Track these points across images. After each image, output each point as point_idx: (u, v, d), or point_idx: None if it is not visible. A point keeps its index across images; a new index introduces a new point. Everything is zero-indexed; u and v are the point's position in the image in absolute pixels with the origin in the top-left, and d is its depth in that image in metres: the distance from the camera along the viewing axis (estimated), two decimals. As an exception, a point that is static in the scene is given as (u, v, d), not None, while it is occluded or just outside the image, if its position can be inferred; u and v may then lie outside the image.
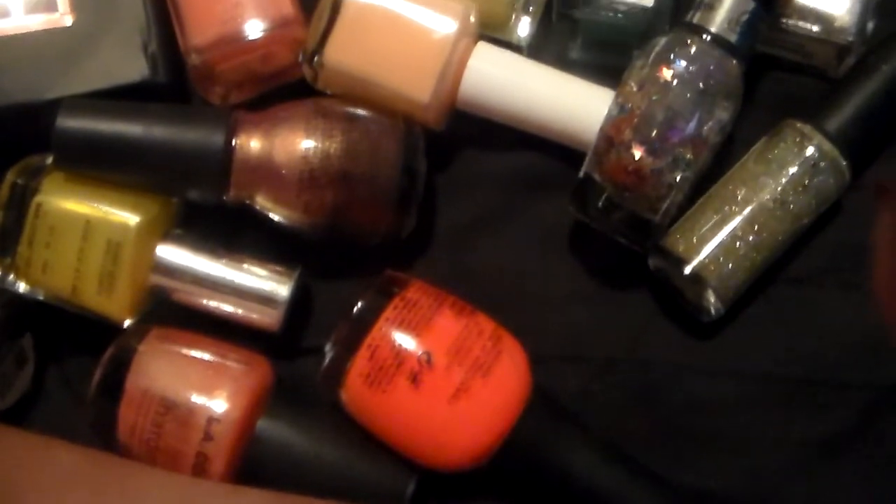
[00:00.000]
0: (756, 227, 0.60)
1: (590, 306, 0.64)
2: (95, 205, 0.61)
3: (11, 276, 0.61)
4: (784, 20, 0.63)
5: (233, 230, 0.64)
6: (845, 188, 0.62)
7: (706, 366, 0.63)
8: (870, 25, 0.63)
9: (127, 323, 0.62)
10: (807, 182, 0.61)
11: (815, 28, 0.63)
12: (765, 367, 0.62)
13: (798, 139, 0.61)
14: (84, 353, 0.62)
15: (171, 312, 0.62)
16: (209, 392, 0.59)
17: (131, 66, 0.63)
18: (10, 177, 0.61)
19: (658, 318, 0.64)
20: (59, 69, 0.62)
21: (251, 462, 0.59)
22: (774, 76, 0.66)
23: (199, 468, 0.58)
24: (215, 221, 0.64)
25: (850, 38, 0.62)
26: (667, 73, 0.59)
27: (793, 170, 0.61)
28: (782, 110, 0.63)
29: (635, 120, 0.59)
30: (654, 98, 0.59)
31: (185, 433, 0.58)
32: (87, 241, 0.60)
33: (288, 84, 0.65)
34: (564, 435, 0.59)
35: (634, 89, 0.60)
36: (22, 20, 0.63)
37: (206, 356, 0.60)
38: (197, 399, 0.58)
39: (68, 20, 0.63)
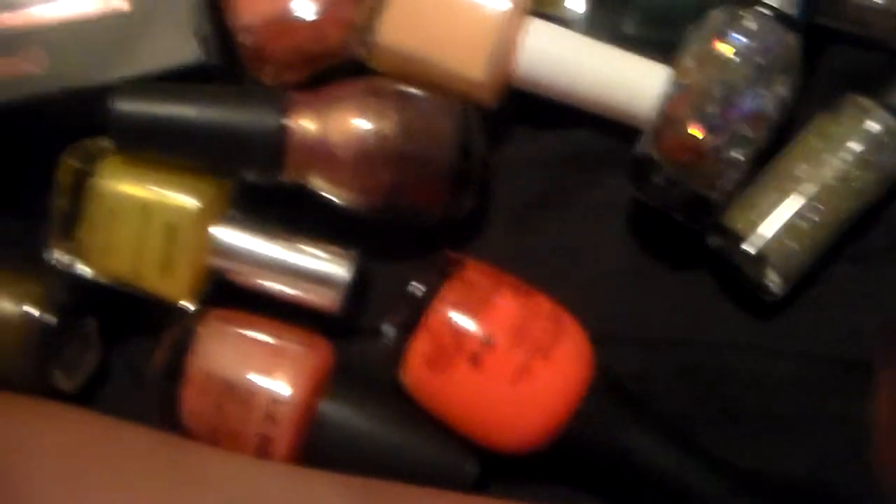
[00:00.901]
0: (818, 205, 0.60)
1: (649, 286, 0.64)
2: (152, 188, 0.61)
3: (73, 260, 0.62)
4: (845, -8, 0.62)
5: (291, 211, 0.64)
6: (911, 163, 0.61)
7: (768, 346, 0.62)
8: (933, -4, 0.62)
9: (186, 304, 0.62)
10: (870, 158, 0.60)
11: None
12: (827, 347, 0.62)
13: (859, 114, 0.60)
14: (148, 336, 0.63)
15: (232, 294, 0.63)
16: (270, 373, 0.59)
17: (184, 49, 0.63)
18: (67, 160, 0.61)
19: (718, 297, 0.63)
20: (115, 53, 0.62)
21: (313, 444, 0.59)
22: (835, 49, 0.65)
23: (262, 450, 0.59)
24: (274, 203, 0.64)
25: (914, 8, 0.61)
26: (723, 48, 0.58)
27: (854, 146, 0.60)
28: (843, 84, 0.62)
29: (693, 97, 0.58)
30: (711, 74, 0.58)
31: (247, 415, 0.59)
32: (146, 225, 0.61)
33: (341, 64, 0.65)
34: (627, 417, 0.59)
35: (691, 65, 0.59)
36: (80, 5, 0.62)
37: (267, 338, 0.61)
38: (258, 381, 0.59)
39: (125, 5, 0.63)
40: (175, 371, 0.59)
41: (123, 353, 0.66)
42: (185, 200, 0.61)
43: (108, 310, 0.64)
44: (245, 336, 0.61)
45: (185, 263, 0.61)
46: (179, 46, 0.63)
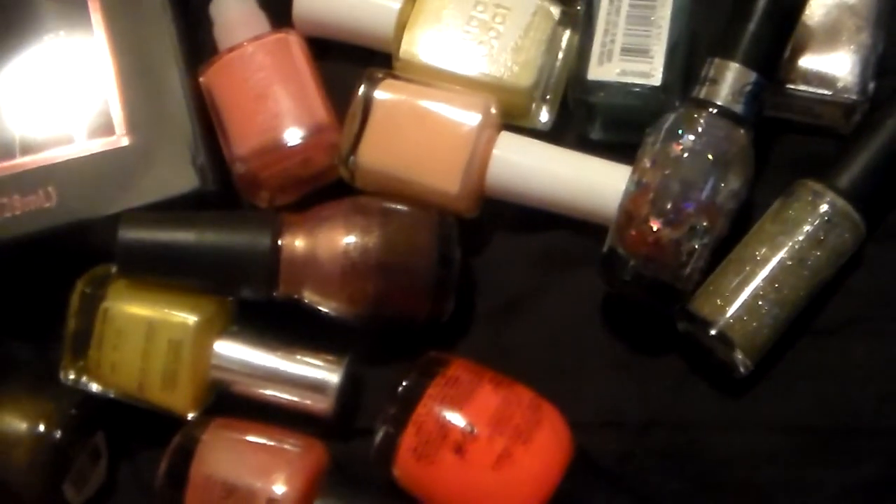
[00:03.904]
0: (777, 285, 0.63)
1: (625, 372, 0.66)
2: (156, 307, 0.66)
3: (84, 378, 0.66)
4: (789, 85, 0.66)
5: (286, 323, 0.68)
6: (862, 240, 0.64)
7: (741, 421, 0.64)
8: (871, 85, 0.66)
9: (190, 415, 0.66)
10: (822, 238, 0.63)
11: (820, 90, 0.66)
12: (798, 418, 0.64)
13: (811, 198, 0.64)
14: (153, 446, 0.66)
15: (232, 403, 0.67)
16: (268, 475, 0.62)
17: (183, 179, 0.68)
18: (79, 286, 0.66)
19: (691, 378, 0.66)
20: (119, 186, 0.68)
21: (310, 539, 0.62)
22: (788, 138, 0.69)
23: (261, 547, 0.62)
24: (269, 315, 0.68)
25: (855, 97, 0.65)
26: (677, 148, 0.63)
27: (808, 227, 0.63)
28: (799, 170, 0.66)
29: (651, 194, 0.62)
30: (666, 172, 0.62)
31: (248, 514, 0.62)
32: (151, 342, 0.65)
33: (331, 184, 0.70)
34: (606, 496, 0.61)
35: (648, 165, 0.63)
36: (85, 145, 0.69)
37: (265, 441, 0.64)
38: (256, 482, 0.62)
39: (125, 141, 0.69)
40: (179, 477, 0.63)
41: (130, 464, 0.69)
42: (187, 317, 0.66)
43: (117, 423, 0.68)
44: (244, 441, 0.64)
45: (188, 377, 0.65)
46: (178, 176, 0.69)
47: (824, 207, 0.63)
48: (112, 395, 0.66)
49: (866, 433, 0.63)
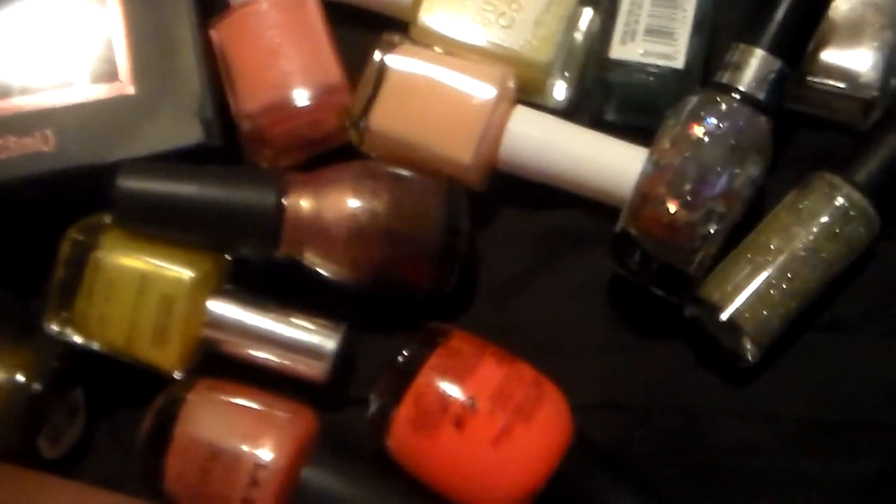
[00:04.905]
0: (789, 276, 0.62)
1: (628, 355, 0.65)
2: (151, 260, 0.63)
3: (69, 329, 0.64)
4: (810, 78, 0.66)
5: (283, 285, 0.66)
6: (876, 236, 0.64)
7: (743, 410, 0.64)
8: (893, 81, 0.65)
9: (177, 374, 0.64)
10: (837, 231, 0.62)
11: (841, 84, 0.65)
12: (801, 410, 0.63)
13: (827, 190, 0.63)
14: (133, 405, 0.64)
15: (221, 364, 0.64)
16: (255, 440, 0.60)
17: (187, 131, 0.67)
18: (71, 234, 0.64)
19: (695, 365, 0.65)
20: (121, 134, 0.66)
21: (296, 508, 0.60)
22: (804, 132, 0.68)
23: (246, 513, 0.60)
24: (266, 277, 0.66)
25: (875, 93, 0.65)
26: (698, 131, 0.62)
27: (823, 219, 0.63)
28: (812, 164, 0.65)
29: (669, 176, 0.61)
30: (686, 154, 0.61)
31: (232, 479, 0.59)
32: (143, 295, 0.63)
33: (335, 148, 0.68)
34: (605, 478, 0.60)
35: (667, 146, 0.62)
36: (87, 90, 0.67)
37: (253, 405, 0.62)
38: (243, 446, 0.60)
39: (130, 89, 0.67)
40: (161, 437, 0.60)
41: (108, 423, 0.67)
42: (182, 272, 0.63)
43: (97, 380, 0.66)
44: (232, 403, 0.62)
45: (179, 333, 0.63)
46: (183, 128, 0.67)
47: (840, 200, 0.63)
48: (97, 349, 0.64)
49: (869, 428, 0.63)
